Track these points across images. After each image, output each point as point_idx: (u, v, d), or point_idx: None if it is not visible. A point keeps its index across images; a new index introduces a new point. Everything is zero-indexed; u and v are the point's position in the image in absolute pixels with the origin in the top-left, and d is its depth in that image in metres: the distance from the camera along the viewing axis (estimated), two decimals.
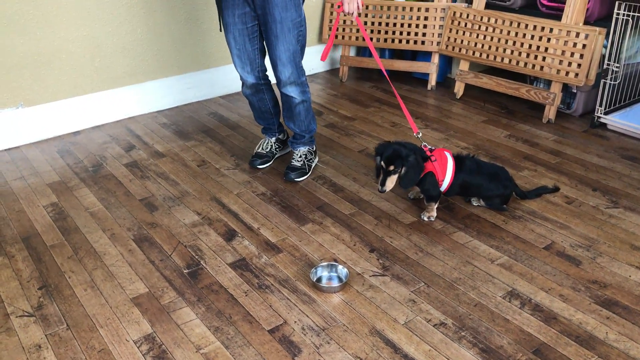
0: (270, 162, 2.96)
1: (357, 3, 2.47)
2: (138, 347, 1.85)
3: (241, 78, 2.74)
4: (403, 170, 2.32)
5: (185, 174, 2.90)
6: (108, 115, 3.50)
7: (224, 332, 1.90)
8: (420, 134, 2.54)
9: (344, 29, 4.00)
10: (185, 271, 2.20)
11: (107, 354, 1.83)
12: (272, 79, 2.78)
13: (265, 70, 2.75)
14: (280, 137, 3.00)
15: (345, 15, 2.46)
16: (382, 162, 2.32)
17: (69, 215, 2.57)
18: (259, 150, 2.96)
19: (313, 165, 2.88)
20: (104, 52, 3.38)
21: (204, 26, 3.67)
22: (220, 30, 2.62)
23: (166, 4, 3.48)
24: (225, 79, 3.87)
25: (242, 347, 1.84)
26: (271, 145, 2.97)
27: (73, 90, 3.35)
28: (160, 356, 1.81)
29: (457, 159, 2.45)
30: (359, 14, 2.43)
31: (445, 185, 2.42)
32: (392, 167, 2.30)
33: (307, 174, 2.82)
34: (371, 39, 3.93)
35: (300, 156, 2.82)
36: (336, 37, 4.04)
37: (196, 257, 2.28)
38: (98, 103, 3.45)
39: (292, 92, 2.65)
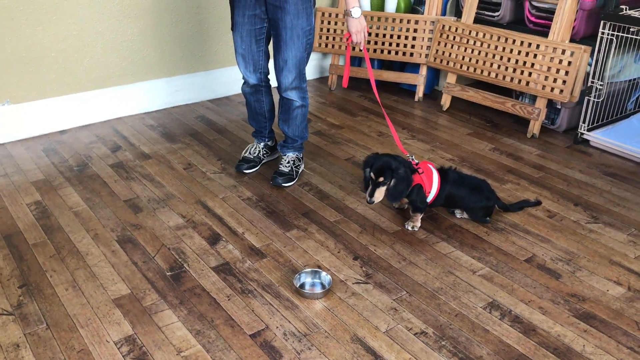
0: (257, 167, 2.97)
1: (364, 34, 2.57)
2: (118, 349, 1.84)
3: (243, 77, 2.76)
4: (392, 183, 2.33)
5: (170, 177, 2.90)
6: (95, 115, 3.49)
7: (205, 335, 1.90)
8: (413, 157, 2.50)
9: (334, 38, 4.03)
10: (168, 274, 2.20)
11: (87, 354, 1.82)
12: (272, 83, 2.81)
13: (268, 73, 2.78)
14: (269, 143, 3.01)
15: (353, 44, 2.57)
16: (372, 174, 2.33)
17: (53, 214, 2.56)
18: (246, 155, 2.97)
19: (300, 171, 2.90)
20: (94, 51, 3.37)
21: (194, 30, 3.68)
22: (232, 29, 2.65)
23: (157, 7, 3.49)
24: (214, 83, 3.88)
25: (223, 351, 1.84)
26: (259, 151, 2.97)
27: (61, 89, 3.33)
28: (140, 358, 1.81)
29: (441, 171, 2.48)
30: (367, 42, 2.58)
31: (431, 196, 2.44)
32: (381, 179, 2.31)
33: (294, 179, 2.83)
34: (353, 48, 3.96)
35: (289, 162, 2.84)
36: (325, 46, 4.07)
37: (179, 260, 2.28)
38: (85, 102, 3.43)
39: (293, 96, 2.69)
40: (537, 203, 2.66)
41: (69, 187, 2.78)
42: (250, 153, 2.97)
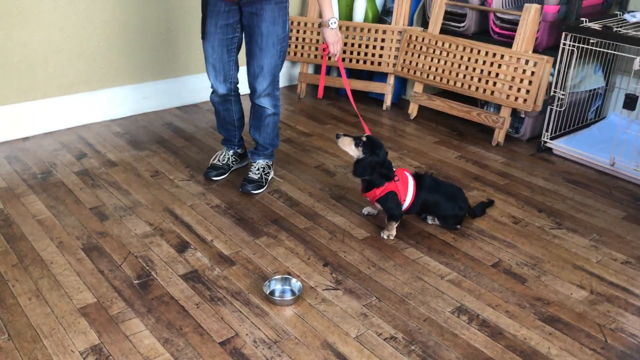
0: (226, 175, 2.95)
1: (340, 44, 2.64)
2: (84, 358, 1.80)
3: (212, 86, 2.75)
4: (360, 157, 2.41)
5: (137, 184, 2.86)
6: (60, 122, 3.42)
7: (173, 343, 1.88)
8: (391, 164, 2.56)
9: (302, 47, 4.05)
10: (135, 282, 2.16)
11: None
12: (242, 91, 2.82)
13: (237, 82, 2.78)
14: (238, 151, 3.00)
15: (330, 55, 2.61)
16: (367, 135, 2.46)
17: (15, 222, 2.49)
18: (215, 162, 2.95)
19: (269, 178, 2.89)
20: (59, 57, 3.31)
21: (162, 37, 3.65)
22: (203, 38, 2.63)
23: (124, 13, 3.45)
24: (182, 90, 3.85)
25: (191, 359, 1.82)
26: (228, 158, 2.96)
27: (24, 95, 3.26)
28: None
29: (417, 177, 2.51)
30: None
31: (407, 204, 2.47)
32: (361, 138, 2.41)
33: (263, 187, 2.82)
34: (329, 57, 4.00)
35: (258, 169, 2.83)
36: (295, 54, 4.08)
37: (147, 267, 2.24)
38: (50, 109, 3.36)
39: (266, 103, 2.70)
40: (490, 202, 2.74)
41: (32, 195, 2.72)
42: (219, 160, 2.95)
